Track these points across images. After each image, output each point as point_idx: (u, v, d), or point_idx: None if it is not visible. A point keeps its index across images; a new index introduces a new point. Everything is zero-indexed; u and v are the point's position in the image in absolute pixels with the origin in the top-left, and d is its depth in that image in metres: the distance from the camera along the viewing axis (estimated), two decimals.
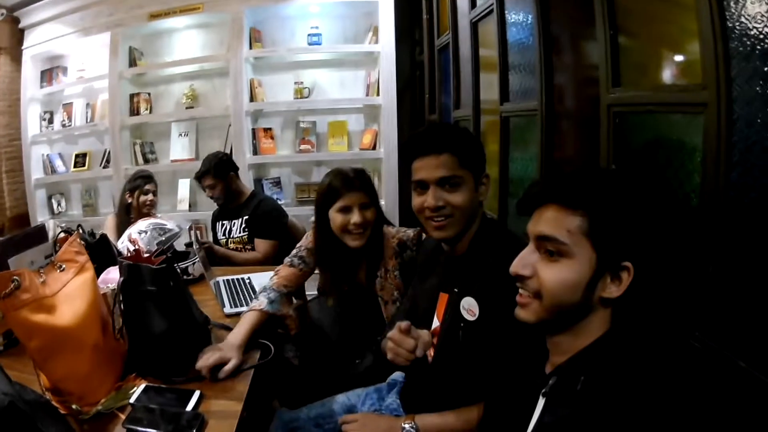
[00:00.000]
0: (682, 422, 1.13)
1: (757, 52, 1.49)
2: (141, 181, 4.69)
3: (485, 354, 1.84)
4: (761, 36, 1.47)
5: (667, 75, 2.08)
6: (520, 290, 1.40)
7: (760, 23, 1.47)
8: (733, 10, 1.56)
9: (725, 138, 1.60)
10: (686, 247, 1.82)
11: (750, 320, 1.56)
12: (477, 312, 1.96)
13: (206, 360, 2.15)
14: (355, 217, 2.69)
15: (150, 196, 4.69)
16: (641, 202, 1.34)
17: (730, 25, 1.58)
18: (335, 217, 2.73)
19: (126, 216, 4.61)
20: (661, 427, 1.12)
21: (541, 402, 1.39)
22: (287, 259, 2.93)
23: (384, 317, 2.77)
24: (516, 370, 1.58)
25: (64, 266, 2.04)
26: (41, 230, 2.57)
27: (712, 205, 1.66)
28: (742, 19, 1.53)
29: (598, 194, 1.35)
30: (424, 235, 2.75)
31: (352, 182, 2.76)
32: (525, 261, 1.37)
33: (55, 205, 7.27)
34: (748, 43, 1.52)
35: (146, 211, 4.60)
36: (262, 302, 2.59)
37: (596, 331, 1.36)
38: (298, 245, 2.97)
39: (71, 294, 1.98)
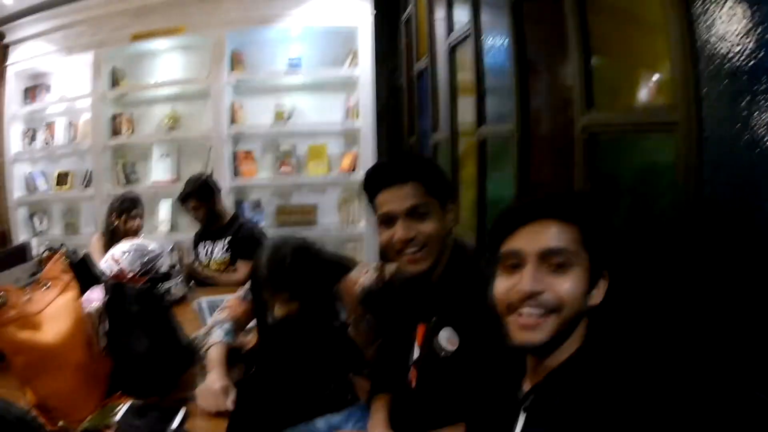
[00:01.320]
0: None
1: (725, 70, 1.53)
2: (129, 204, 4.68)
3: (467, 381, 1.79)
4: (729, 55, 1.51)
5: (640, 96, 2.11)
6: (527, 312, 1.34)
7: (728, 42, 1.51)
8: (702, 30, 1.60)
9: (695, 156, 1.64)
10: (659, 260, 1.87)
11: (725, 332, 1.61)
12: (457, 342, 1.92)
13: (224, 404, 2.13)
14: (278, 312, 2.47)
15: (137, 221, 4.68)
16: (616, 218, 1.40)
17: (699, 44, 1.61)
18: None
19: (111, 237, 4.58)
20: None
21: (522, 417, 1.40)
22: (240, 293, 2.85)
23: (360, 352, 2.62)
24: (496, 389, 1.58)
25: (49, 284, 2.07)
26: (23, 248, 2.60)
27: (685, 220, 1.70)
28: (711, 39, 1.56)
29: (585, 207, 1.44)
30: (385, 272, 2.64)
31: (274, 283, 2.48)
32: (536, 278, 1.33)
33: (36, 224, 7.23)
34: (717, 62, 1.56)
35: (132, 234, 4.57)
36: (219, 335, 2.53)
37: (572, 345, 1.38)
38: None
39: (56, 312, 2.01)
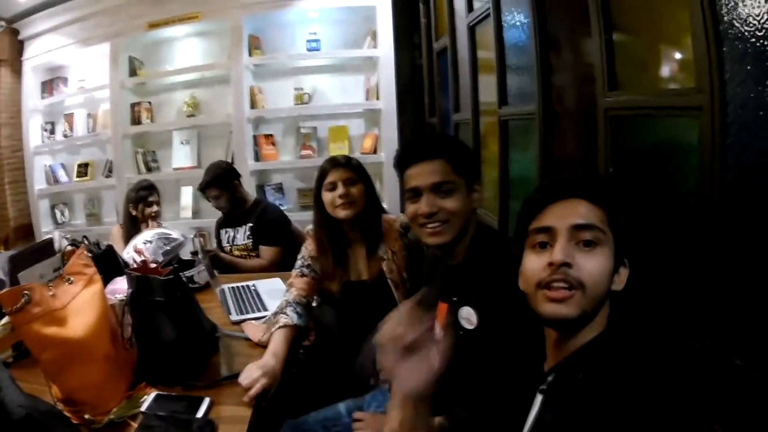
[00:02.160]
0: (679, 417, 1.15)
1: (749, 54, 1.51)
2: (145, 193, 4.66)
3: (484, 361, 1.83)
4: (753, 39, 1.48)
5: (664, 78, 2.08)
6: (557, 285, 1.35)
7: (751, 26, 1.48)
8: (726, 13, 1.58)
9: (720, 141, 1.60)
10: (681, 246, 1.85)
11: (746, 319, 1.58)
12: (476, 321, 1.95)
13: (254, 385, 2.10)
14: (339, 190, 2.77)
15: (154, 207, 4.66)
16: (638, 205, 1.39)
17: (723, 28, 1.59)
18: (325, 197, 2.82)
19: (131, 226, 4.58)
20: (658, 423, 1.14)
21: (538, 399, 1.40)
22: (296, 270, 2.92)
23: (396, 301, 2.76)
24: (514, 370, 1.59)
25: (72, 279, 2.06)
26: (49, 244, 2.59)
27: (708, 206, 1.68)
28: (735, 22, 1.54)
29: (615, 193, 1.43)
30: None
31: (337, 161, 2.92)
32: (567, 251, 1.35)
33: (58, 215, 7.31)
34: (740, 45, 1.53)
35: (151, 221, 4.59)
36: (292, 317, 2.57)
37: (596, 328, 1.38)
38: (300, 255, 2.98)
39: (81, 306, 2.00)
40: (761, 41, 1.45)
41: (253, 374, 2.13)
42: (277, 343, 2.42)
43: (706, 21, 1.62)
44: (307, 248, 2.97)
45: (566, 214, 1.39)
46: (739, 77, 1.55)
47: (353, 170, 2.86)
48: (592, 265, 1.34)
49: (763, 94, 1.46)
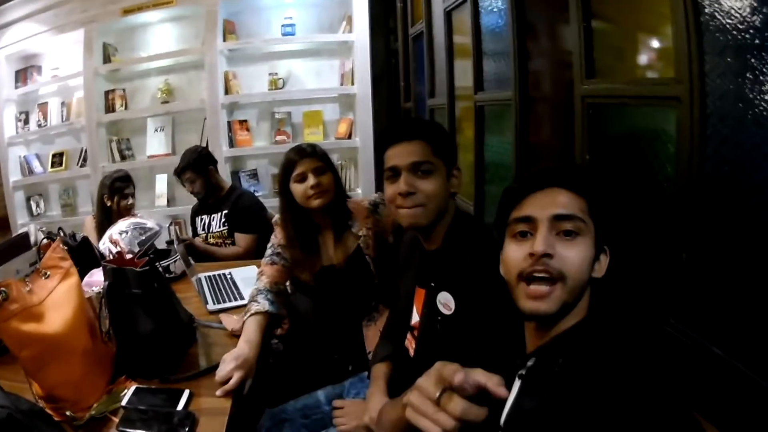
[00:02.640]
0: (658, 404, 1.16)
1: (729, 47, 1.52)
2: (121, 184, 4.62)
3: (462, 346, 1.82)
4: (734, 31, 1.49)
5: (643, 68, 2.09)
6: (537, 278, 1.36)
7: (733, 18, 1.49)
8: (707, 5, 1.59)
9: (698, 132, 1.62)
10: (659, 235, 1.87)
11: (723, 307, 1.60)
12: (453, 306, 1.97)
13: (229, 378, 2.10)
14: (310, 181, 2.75)
15: (130, 200, 4.64)
16: (619, 193, 1.40)
17: (704, 20, 1.60)
18: (295, 189, 2.79)
19: (104, 218, 4.55)
20: (636, 409, 1.15)
21: (516, 384, 1.41)
22: (266, 259, 2.91)
23: (373, 274, 2.83)
24: (491, 356, 1.58)
25: (49, 273, 2.05)
26: (24, 238, 2.57)
27: (686, 195, 1.70)
28: (716, 14, 1.55)
29: (595, 182, 1.44)
30: None
31: (304, 151, 2.86)
32: (548, 241, 1.36)
33: (33, 207, 7.24)
34: (721, 37, 1.54)
35: (126, 213, 4.54)
36: (263, 304, 2.56)
37: (576, 315, 1.40)
38: (269, 244, 2.97)
39: (58, 300, 1.99)
40: (742, 34, 1.47)
41: (227, 367, 2.13)
42: (250, 330, 2.42)
43: (687, 12, 1.63)
44: (277, 237, 2.96)
45: (547, 204, 1.40)
46: (719, 69, 1.57)
47: (320, 159, 2.86)
48: (573, 254, 1.36)
49: (742, 86, 1.48)
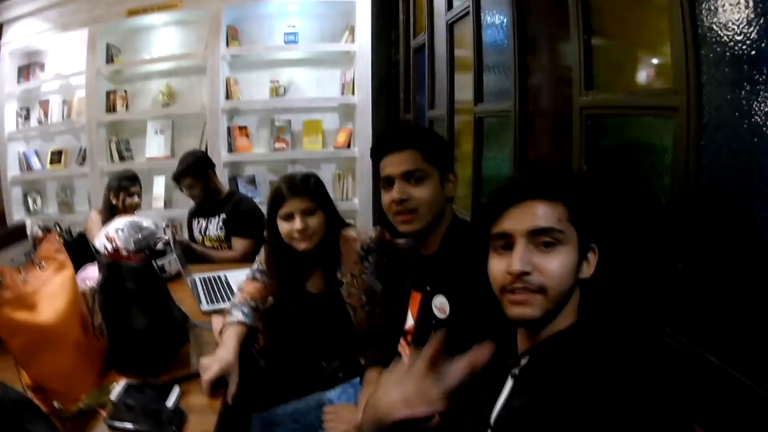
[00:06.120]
0: (650, 409, 1.17)
1: (726, 59, 1.54)
2: (127, 183, 4.66)
3: (456, 349, 1.86)
4: (731, 43, 1.51)
5: (640, 78, 2.12)
6: (518, 290, 1.38)
7: (730, 31, 1.51)
8: (705, 17, 1.60)
9: (695, 142, 1.64)
10: (656, 244, 1.88)
11: (718, 315, 1.62)
12: (448, 310, 2.01)
13: (209, 374, 2.10)
14: (296, 224, 2.63)
15: (135, 198, 4.68)
16: (601, 190, 1.41)
17: (701, 32, 1.62)
18: (281, 225, 2.69)
19: (109, 215, 4.52)
20: (629, 413, 1.16)
21: (509, 383, 1.43)
22: (249, 273, 2.88)
23: (354, 324, 2.71)
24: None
25: (44, 264, 2.05)
26: (21, 228, 2.58)
27: (682, 205, 1.71)
28: (714, 27, 1.57)
29: (571, 185, 1.45)
30: (387, 235, 2.77)
31: (295, 188, 2.69)
32: (526, 258, 1.37)
33: (30, 203, 7.25)
34: (719, 50, 1.56)
35: (131, 212, 4.55)
36: (237, 315, 2.52)
37: (567, 318, 1.42)
38: (257, 259, 2.94)
39: (52, 292, 1.99)
40: (739, 45, 1.49)
41: (205, 362, 2.15)
42: (226, 337, 2.39)
43: (685, 24, 1.64)
44: (262, 255, 2.92)
45: (523, 219, 1.41)
46: (716, 80, 1.59)
47: (312, 197, 2.69)
48: (552, 265, 1.37)
49: (738, 97, 1.50)
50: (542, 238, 1.38)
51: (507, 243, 1.42)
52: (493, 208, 1.49)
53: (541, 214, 1.39)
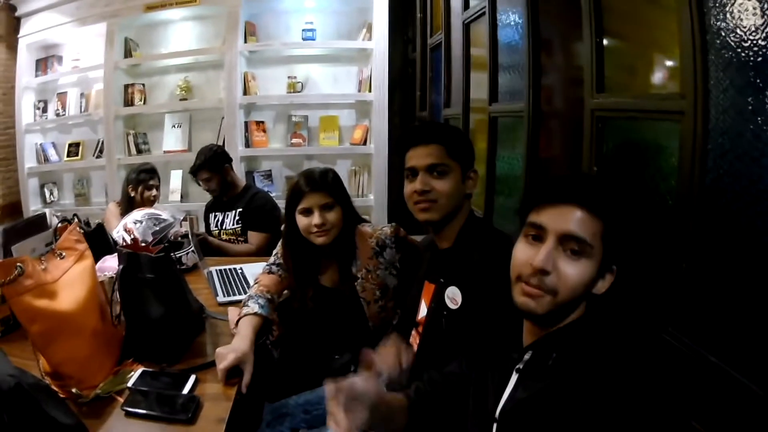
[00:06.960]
0: (649, 404, 1.19)
1: (733, 64, 1.55)
2: (145, 176, 4.70)
3: (465, 340, 1.88)
4: (739, 49, 1.52)
5: (649, 82, 2.15)
6: (532, 284, 1.40)
7: (738, 36, 1.52)
8: (713, 23, 1.62)
9: (700, 145, 1.65)
10: (661, 244, 1.90)
11: (720, 316, 1.63)
12: (460, 300, 2.05)
13: (225, 363, 2.12)
14: (315, 219, 2.65)
15: (153, 192, 4.71)
16: (638, 219, 1.42)
17: (709, 37, 1.63)
18: (299, 220, 2.70)
19: (128, 207, 4.52)
20: (627, 406, 1.18)
21: (514, 378, 1.46)
22: (266, 267, 2.90)
23: (367, 318, 2.74)
24: (492, 350, 1.64)
25: (64, 254, 2.09)
26: (42, 218, 2.61)
27: (687, 207, 1.72)
28: (722, 32, 1.58)
29: (616, 205, 1.43)
30: (402, 231, 2.81)
31: (314, 183, 2.71)
32: (550, 258, 1.37)
33: (47, 194, 7.29)
34: (726, 55, 1.57)
35: (149, 205, 4.56)
36: (253, 307, 2.54)
37: (573, 315, 1.43)
38: (274, 252, 2.96)
39: (71, 281, 2.03)
40: (746, 52, 1.50)
41: (221, 351, 2.17)
42: (242, 328, 2.41)
43: (694, 29, 1.66)
44: (280, 248, 2.94)
45: (561, 220, 1.40)
46: (723, 85, 1.60)
47: (330, 192, 2.71)
48: (572, 273, 1.37)
49: (745, 102, 1.51)
50: (572, 245, 1.38)
51: (538, 234, 1.43)
52: (537, 196, 1.49)
53: (579, 222, 1.39)
